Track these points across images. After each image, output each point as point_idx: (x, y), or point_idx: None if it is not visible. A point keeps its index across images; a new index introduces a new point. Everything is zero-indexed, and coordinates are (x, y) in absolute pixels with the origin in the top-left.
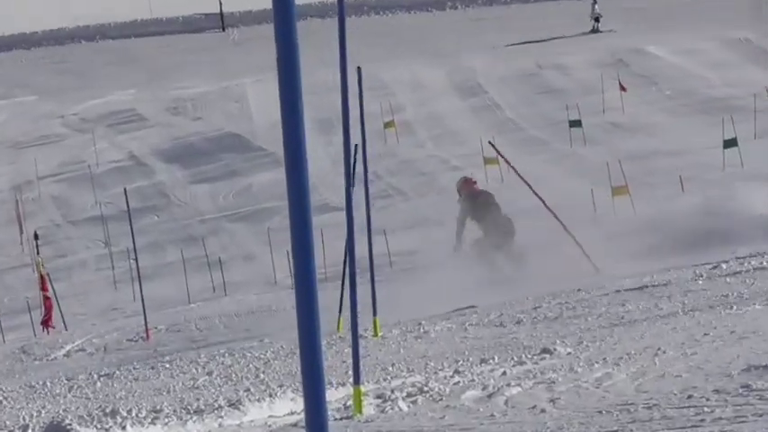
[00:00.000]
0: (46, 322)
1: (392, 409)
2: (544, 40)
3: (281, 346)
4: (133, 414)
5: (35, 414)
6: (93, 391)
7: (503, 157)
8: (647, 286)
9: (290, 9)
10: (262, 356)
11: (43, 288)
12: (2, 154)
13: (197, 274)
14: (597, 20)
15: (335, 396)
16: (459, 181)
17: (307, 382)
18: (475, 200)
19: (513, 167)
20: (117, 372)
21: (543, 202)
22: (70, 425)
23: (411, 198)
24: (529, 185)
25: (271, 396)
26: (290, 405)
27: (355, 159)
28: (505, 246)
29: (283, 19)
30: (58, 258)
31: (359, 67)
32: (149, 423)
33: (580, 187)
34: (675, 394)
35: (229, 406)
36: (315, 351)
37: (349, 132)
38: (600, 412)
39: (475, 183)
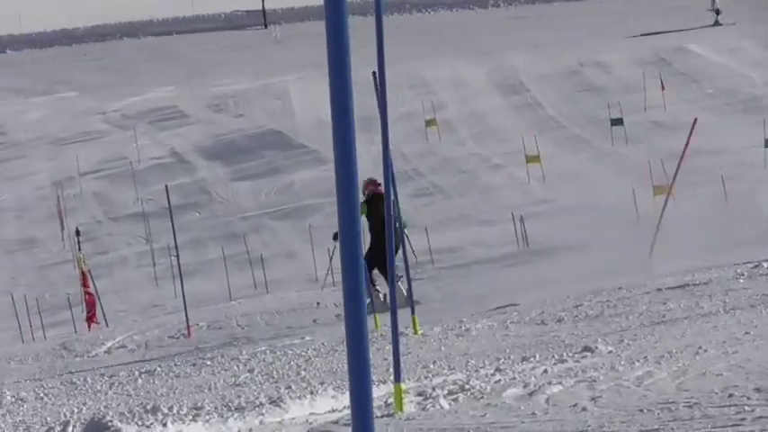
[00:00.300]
0: (90, 318)
1: (433, 406)
2: (667, 32)
3: (323, 344)
4: (174, 411)
5: (76, 410)
6: (134, 388)
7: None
8: (688, 285)
9: (342, 7)
10: (303, 354)
11: (84, 284)
12: (43, 150)
13: (238, 272)
14: (718, 13)
15: (377, 393)
16: (365, 181)
17: (353, 373)
18: (376, 201)
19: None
20: (158, 368)
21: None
22: (111, 421)
23: (452, 196)
24: None
25: (312, 393)
26: (331, 402)
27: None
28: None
29: (335, 20)
30: (99, 255)
31: (373, 72)
32: (190, 420)
33: (622, 186)
34: (716, 393)
35: (270, 403)
36: (362, 346)
37: (387, 131)
38: (641, 411)
39: (379, 185)
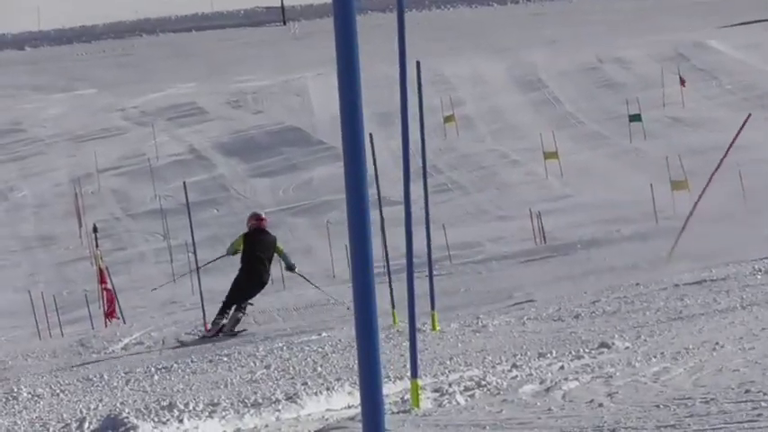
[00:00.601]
0: (110, 314)
1: (449, 402)
2: (760, 21)
3: (339, 340)
4: (190, 407)
5: (92, 407)
6: (150, 385)
7: None
8: (705, 281)
9: (350, 7)
10: (320, 350)
11: (102, 281)
12: (62, 147)
13: None
14: None
15: (393, 390)
16: (249, 215)
17: (363, 370)
18: (253, 235)
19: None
20: (175, 365)
21: None
22: (127, 418)
23: (470, 192)
24: None
25: (328, 390)
26: (348, 399)
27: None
28: (249, 293)
29: (343, 18)
30: (117, 251)
31: (418, 62)
32: (207, 416)
33: (640, 182)
34: (733, 389)
35: (287, 399)
36: (372, 342)
37: (407, 126)
38: (657, 406)
39: (263, 221)
